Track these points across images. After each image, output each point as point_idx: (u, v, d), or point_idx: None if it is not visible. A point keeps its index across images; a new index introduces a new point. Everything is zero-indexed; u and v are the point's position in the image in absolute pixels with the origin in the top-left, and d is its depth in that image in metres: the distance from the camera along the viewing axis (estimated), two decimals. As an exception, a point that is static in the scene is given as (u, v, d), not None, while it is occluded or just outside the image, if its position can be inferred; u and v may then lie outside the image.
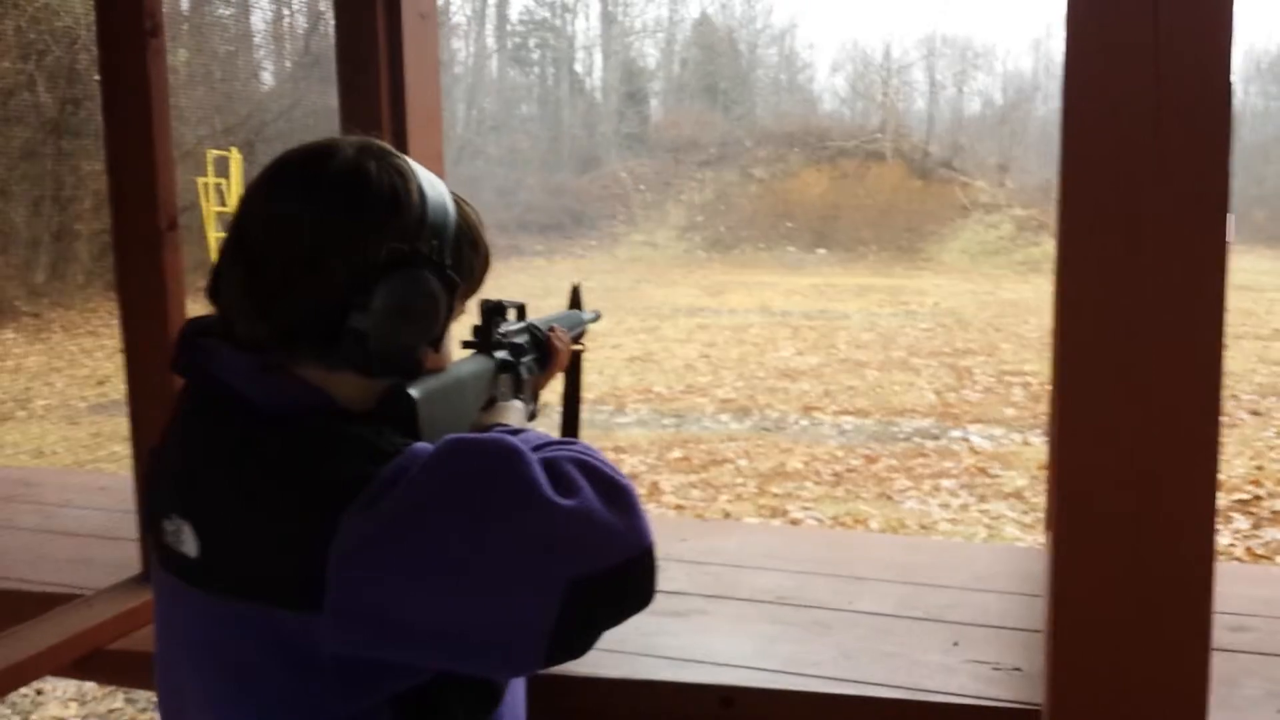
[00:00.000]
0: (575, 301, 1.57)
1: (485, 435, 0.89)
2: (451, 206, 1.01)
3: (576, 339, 1.47)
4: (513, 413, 1.17)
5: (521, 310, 1.33)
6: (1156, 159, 0.90)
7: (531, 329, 1.33)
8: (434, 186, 0.99)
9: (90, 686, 3.47)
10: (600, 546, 0.85)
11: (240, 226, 0.96)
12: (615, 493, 0.88)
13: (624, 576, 0.86)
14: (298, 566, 0.85)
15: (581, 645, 0.86)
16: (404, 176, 0.97)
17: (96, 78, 1.77)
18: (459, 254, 1.01)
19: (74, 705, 3.41)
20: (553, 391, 1.41)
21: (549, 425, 1.25)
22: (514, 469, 0.85)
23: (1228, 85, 0.88)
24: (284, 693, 0.89)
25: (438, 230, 0.97)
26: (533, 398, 1.31)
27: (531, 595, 0.83)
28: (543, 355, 1.34)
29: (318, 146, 0.98)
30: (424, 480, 0.85)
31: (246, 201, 0.97)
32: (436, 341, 1.00)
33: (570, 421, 1.50)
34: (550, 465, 0.88)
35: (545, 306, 1.56)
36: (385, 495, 0.84)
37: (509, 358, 1.24)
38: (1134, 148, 0.91)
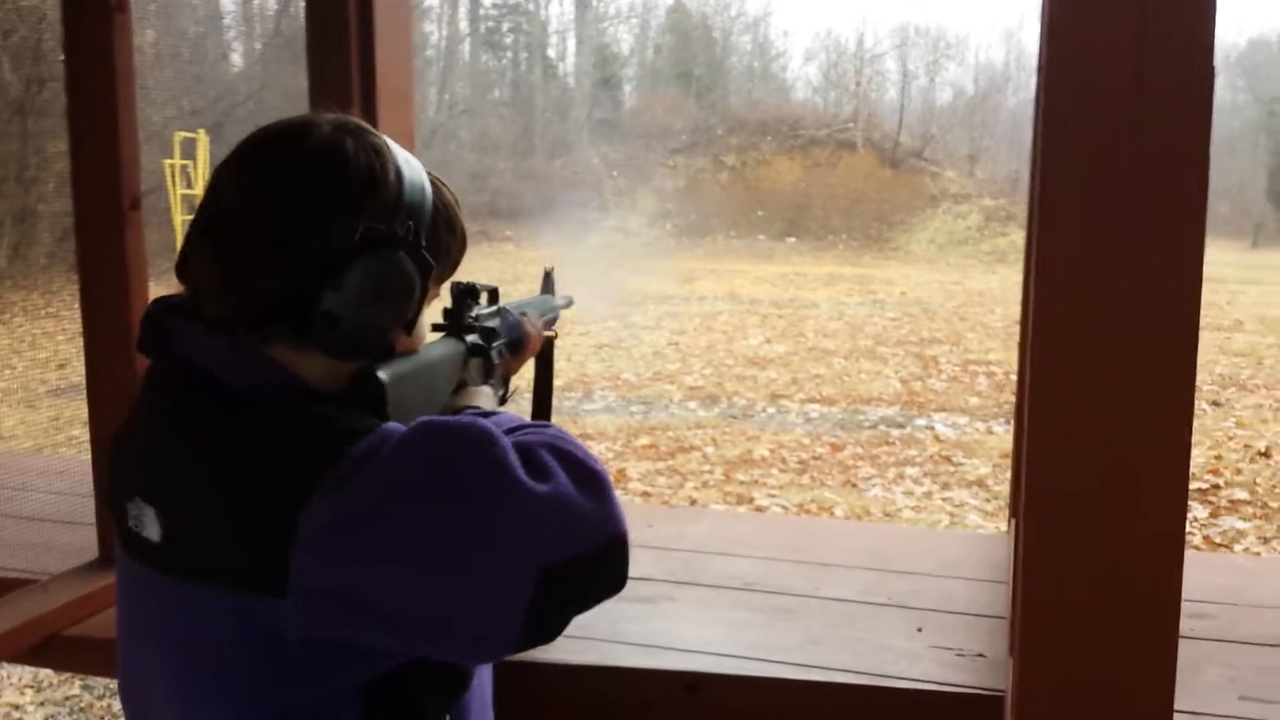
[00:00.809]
0: (548, 286, 1.56)
1: (459, 418, 0.88)
2: (429, 187, 0.99)
3: (549, 325, 1.46)
4: (482, 398, 1.16)
5: (494, 294, 1.31)
6: (1136, 148, 0.91)
7: (504, 313, 1.32)
8: (411, 166, 0.98)
9: (47, 673, 3.43)
10: (573, 533, 0.84)
11: (211, 204, 0.94)
12: (589, 478, 0.87)
13: (596, 562, 0.85)
14: (265, 549, 0.83)
15: (552, 631, 0.85)
16: (381, 155, 0.95)
17: (62, 57, 1.74)
18: (435, 236, 1.00)
19: (30, 692, 3.37)
20: (522, 377, 1.41)
21: (518, 411, 1.24)
22: (486, 453, 0.84)
23: (1210, 73, 0.88)
24: (251, 677, 0.88)
25: (414, 211, 0.96)
26: (503, 383, 1.30)
27: (503, 580, 0.82)
28: (514, 340, 1.32)
29: (293, 123, 0.96)
30: (395, 461, 0.84)
31: (218, 178, 0.95)
32: (409, 324, 0.98)
33: (541, 408, 1.49)
34: (524, 450, 0.87)
35: (514, 292, 1.54)
36: (355, 476, 0.83)
37: (480, 342, 1.22)
38: (1113, 136, 0.91)
